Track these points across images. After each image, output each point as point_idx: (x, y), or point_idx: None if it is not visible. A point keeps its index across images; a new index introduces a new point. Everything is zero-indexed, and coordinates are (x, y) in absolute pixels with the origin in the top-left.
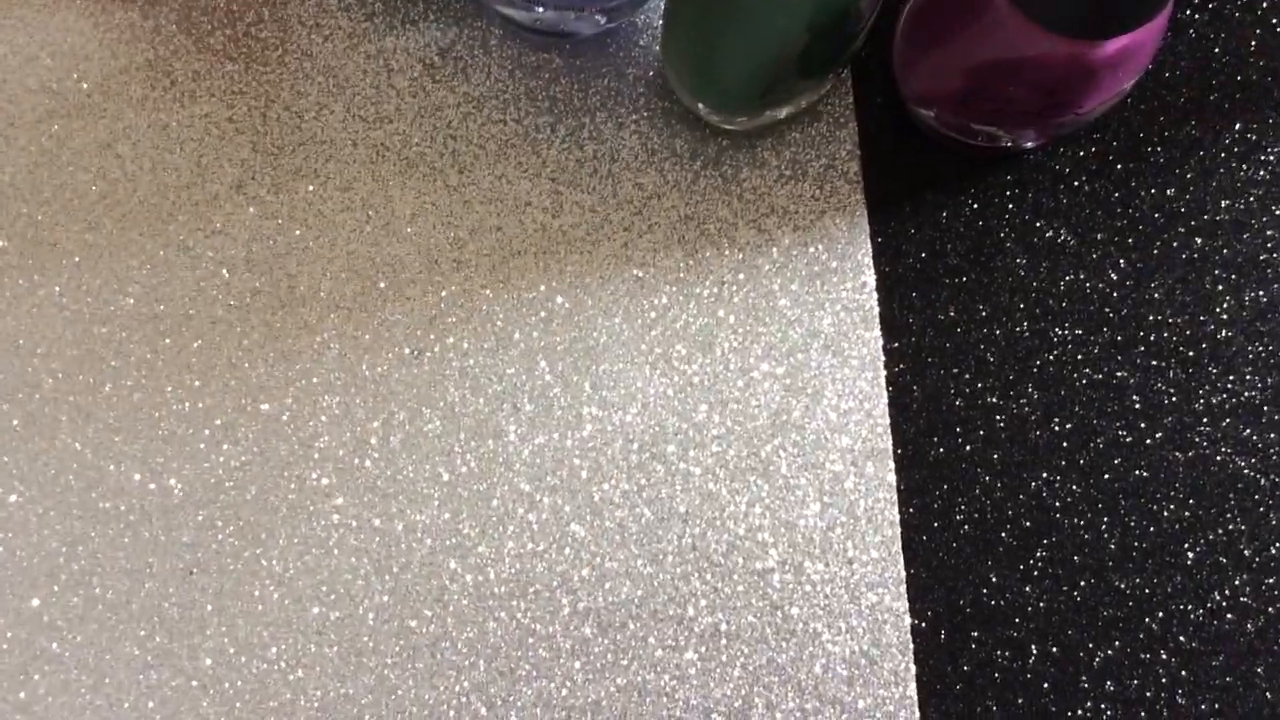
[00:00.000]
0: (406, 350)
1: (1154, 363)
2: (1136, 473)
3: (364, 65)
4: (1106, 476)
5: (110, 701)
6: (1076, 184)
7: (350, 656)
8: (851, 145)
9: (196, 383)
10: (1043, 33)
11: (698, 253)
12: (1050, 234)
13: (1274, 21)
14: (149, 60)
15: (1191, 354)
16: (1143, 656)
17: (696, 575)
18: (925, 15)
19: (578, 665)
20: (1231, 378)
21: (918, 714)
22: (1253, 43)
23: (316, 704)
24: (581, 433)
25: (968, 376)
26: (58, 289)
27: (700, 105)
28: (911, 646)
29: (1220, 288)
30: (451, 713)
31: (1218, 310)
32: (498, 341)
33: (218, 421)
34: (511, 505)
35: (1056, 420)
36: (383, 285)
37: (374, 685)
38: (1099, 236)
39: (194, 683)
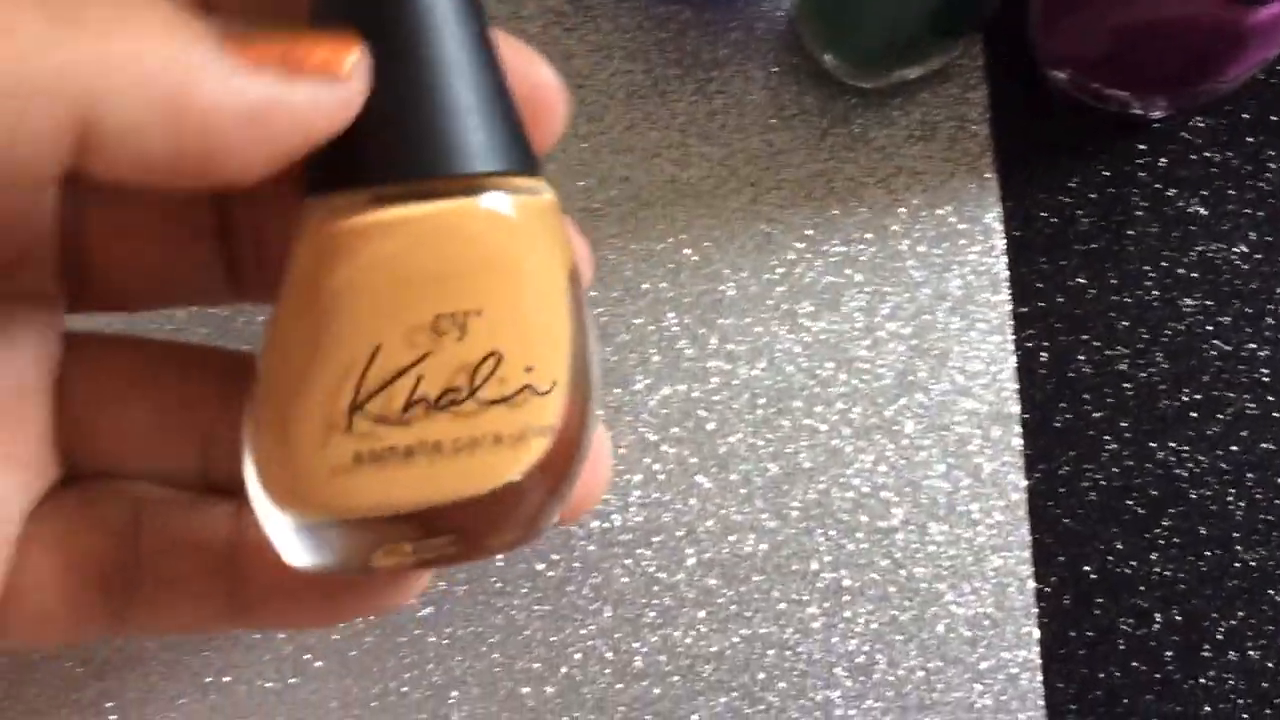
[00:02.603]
0: None
1: None
2: (1263, 445)
3: (494, 11)
4: (1234, 448)
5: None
6: (1207, 154)
7: (479, 596)
8: (982, 107)
9: None
10: None
11: (825, 210)
12: (1181, 203)
13: None
14: None
15: None
16: (1266, 628)
17: (820, 531)
18: None
19: (702, 615)
20: None
21: (1040, 677)
22: None
23: (446, 640)
24: (708, 385)
25: (1096, 344)
26: None
27: (833, 61)
28: (1035, 610)
29: None
30: (578, 655)
31: None
32: (626, 291)
33: None
34: (638, 454)
35: (1185, 390)
36: None
37: (502, 625)
38: (1229, 208)
39: None
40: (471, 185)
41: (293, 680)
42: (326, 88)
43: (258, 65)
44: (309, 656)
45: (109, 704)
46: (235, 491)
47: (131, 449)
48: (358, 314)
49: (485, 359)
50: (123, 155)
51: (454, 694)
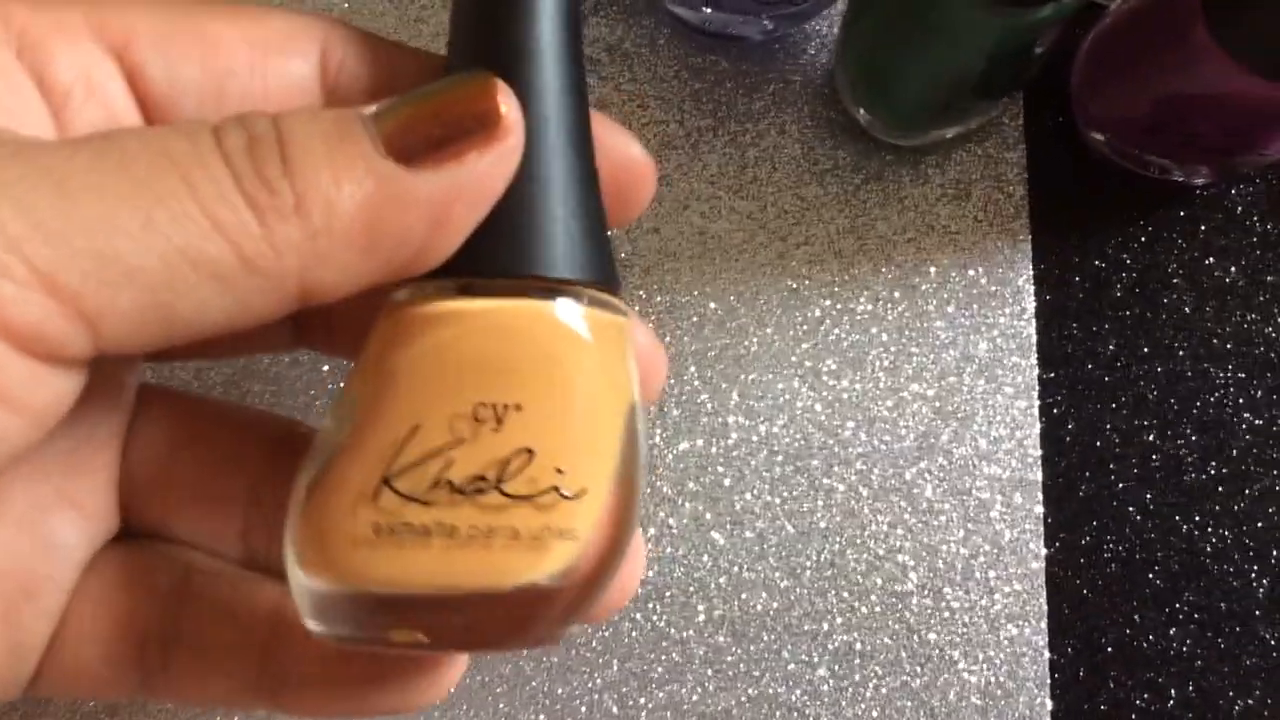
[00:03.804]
0: None
1: None
2: None
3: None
4: (1260, 525)
5: None
6: (1248, 224)
7: None
8: (1019, 168)
9: None
10: (1241, 72)
11: (854, 267)
12: (1219, 273)
13: None
14: None
15: None
16: None
17: (834, 592)
18: (1115, 40)
19: (710, 672)
20: None
21: None
22: None
23: (452, 691)
24: (727, 441)
25: (1125, 413)
26: None
27: (869, 118)
28: (1049, 682)
29: None
30: (583, 709)
31: None
32: None
33: None
34: (653, 508)
35: (1213, 464)
36: None
37: (509, 675)
38: (1268, 279)
39: None
40: (549, 289)
41: None
42: (491, 151)
43: (425, 162)
44: None
45: None
46: (271, 567)
47: (180, 507)
48: (408, 394)
49: (516, 454)
50: (335, 293)
51: None
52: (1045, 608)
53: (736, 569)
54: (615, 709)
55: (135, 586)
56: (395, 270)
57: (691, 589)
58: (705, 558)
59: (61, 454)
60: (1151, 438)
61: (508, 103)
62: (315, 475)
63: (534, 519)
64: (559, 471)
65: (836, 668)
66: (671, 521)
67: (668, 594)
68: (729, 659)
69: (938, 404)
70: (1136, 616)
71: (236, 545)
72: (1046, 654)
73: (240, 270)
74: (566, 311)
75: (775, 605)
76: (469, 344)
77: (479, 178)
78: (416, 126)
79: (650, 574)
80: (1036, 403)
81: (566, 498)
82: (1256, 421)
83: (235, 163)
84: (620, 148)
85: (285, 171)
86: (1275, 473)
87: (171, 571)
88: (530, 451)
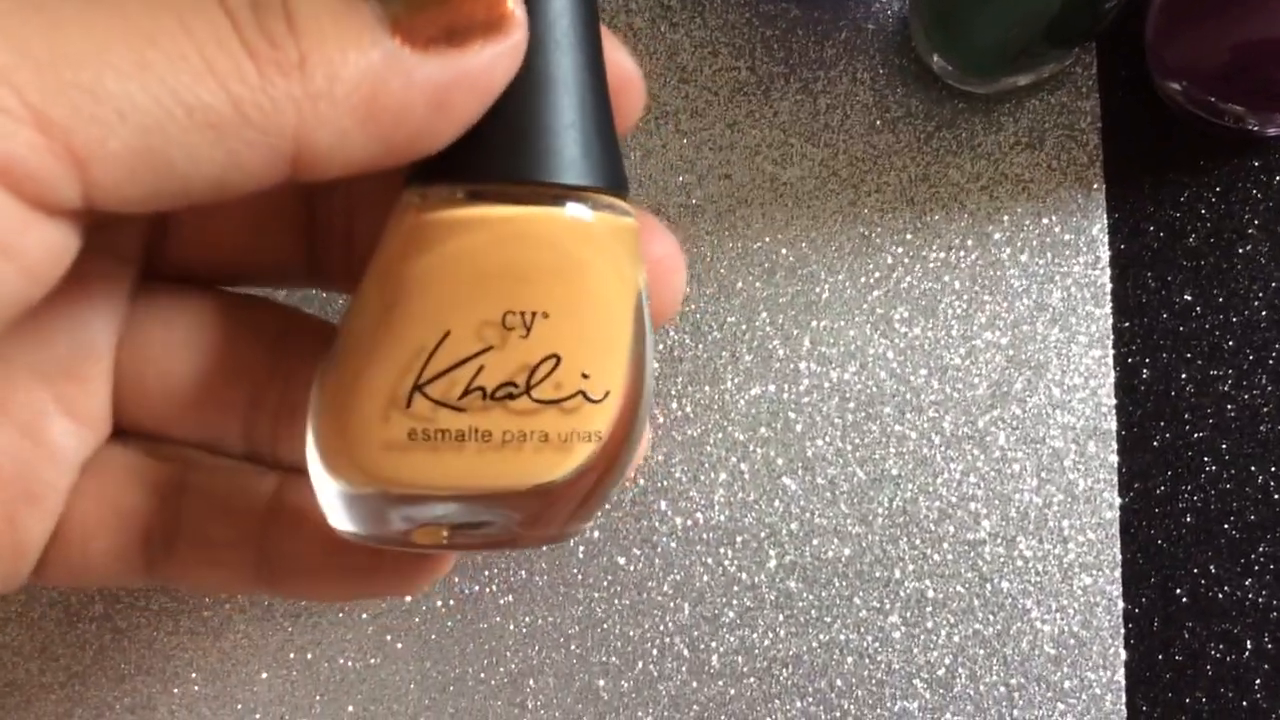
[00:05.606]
0: None
1: None
2: None
3: (602, 3)
4: None
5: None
6: None
7: (559, 587)
8: (1093, 117)
9: None
10: None
11: (926, 215)
12: None
13: None
14: None
15: None
16: None
17: (905, 540)
18: None
19: (781, 618)
20: None
21: (1125, 699)
22: None
23: (525, 629)
24: (798, 387)
25: (1200, 363)
26: None
27: (943, 65)
28: (1123, 631)
29: None
30: (655, 651)
31: None
32: (720, 289)
33: None
34: (724, 453)
35: None
36: None
37: (581, 617)
38: None
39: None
40: (560, 195)
41: (373, 660)
42: (495, 43)
43: (430, 46)
44: (390, 637)
45: (194, 674)
46: (273, 461)
47: (179, 414)
48: (435, 300)
49: (544, 360)
50: (330, 165)
51: (530, 683)
52: (1119, 557)
53: (808, 515)
54: (686, 652)
55: (135, 484)
56: (392, 152)
57: (763, 534)
58: (776, 503)
59: (57, 360)
60: (1227, 387)
61: (514, 1)
62: (339, 379)
63: (562, 423)
64: (584, 376)
65: (908, 615)
66: (743, 467)
67: (739, 539)
68: (800, 605)
69: (1011, 352)
70: (1211, 567)
71: (238, 444)
72: (1120, 604)
73: (234, 119)
74: (580, 217)
75: (847, 552)
76: (491, 251)
77: (481, 68)
78: (423, 15)
79: (722, 519)
80: (1111, 352)
81: (592, 401)
82: None
83: (237, 15)
84: (610, 58)
85: (290, 31)
86: None
87: (169, 468)
88: (557, 357)
